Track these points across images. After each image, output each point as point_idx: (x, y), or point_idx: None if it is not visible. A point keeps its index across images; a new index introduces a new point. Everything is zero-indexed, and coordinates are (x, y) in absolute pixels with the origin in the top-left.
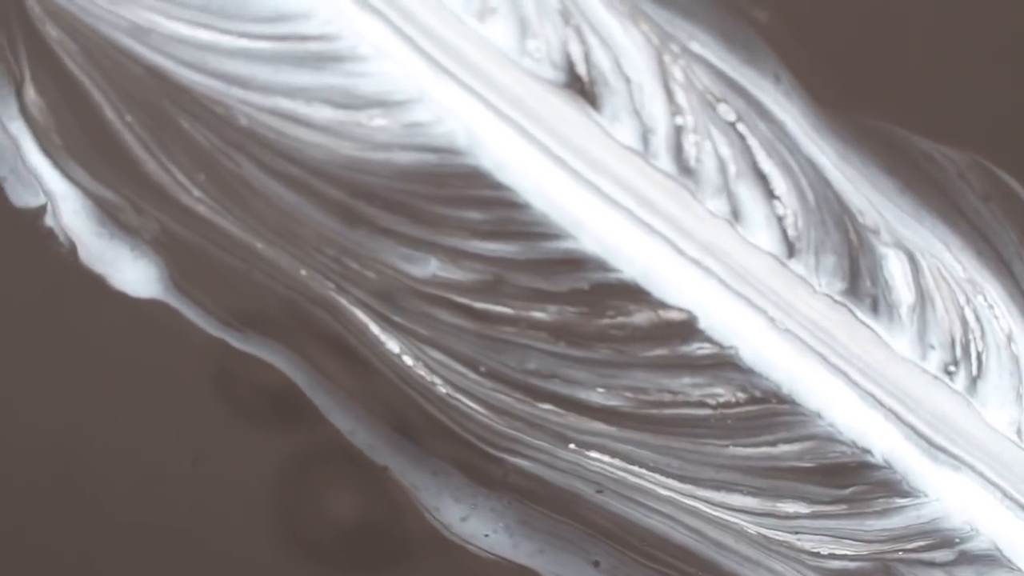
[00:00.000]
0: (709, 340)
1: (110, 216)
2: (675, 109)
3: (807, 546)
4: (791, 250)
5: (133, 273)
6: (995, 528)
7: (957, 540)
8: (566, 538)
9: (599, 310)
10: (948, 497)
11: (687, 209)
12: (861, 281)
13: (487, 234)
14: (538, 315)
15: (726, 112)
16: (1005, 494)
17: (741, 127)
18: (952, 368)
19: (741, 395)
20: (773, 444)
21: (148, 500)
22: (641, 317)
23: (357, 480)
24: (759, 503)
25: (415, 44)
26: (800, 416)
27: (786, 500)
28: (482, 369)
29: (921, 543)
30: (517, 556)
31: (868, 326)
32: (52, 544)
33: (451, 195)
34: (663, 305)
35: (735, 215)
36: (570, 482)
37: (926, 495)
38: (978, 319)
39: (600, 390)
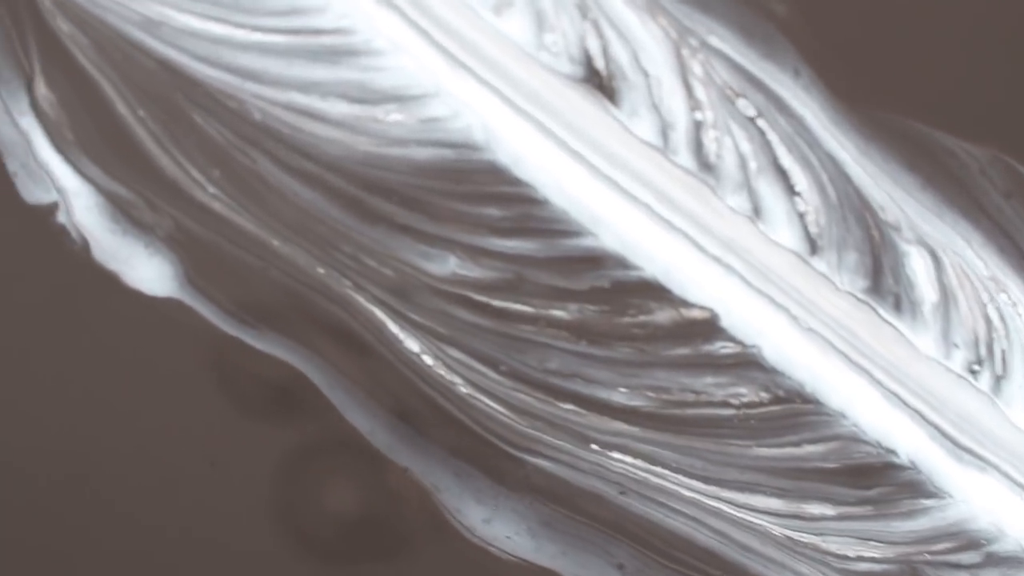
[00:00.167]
0: (731, 339)
1: (123, 213)
2: (694, 104)
3: (833, 548)
4: (813, 247)
5: (147, 270)
6: (1022, 529)
7: (983, 542)
8: (589, 540)
9: (620, 308)
10: (974, 498)
11: (707, 206)
12: (884, 279)
13: (506, 231)
14: (558, 314)
15: (745, 107)
16: None
17: (761, 122)
18: (976, 367)
19: (764, 395)
20: (797, 444)
21: (160, 499)
22: (663, 315)
23: (360, 473)
24: (784, 504)
25: (431, 38)
26: (824, 416)
27: (811, 501)
28: (502, 368)
29: (947, 545)
30: (539, 558)
31: (891, 324)
32: (60, 541)
33: (469, 191)
34: (684, 303)
35: (756, 212)
36: (592, 483)
37: (952, 496)
38: (1002, 317)
39: (622, 390)
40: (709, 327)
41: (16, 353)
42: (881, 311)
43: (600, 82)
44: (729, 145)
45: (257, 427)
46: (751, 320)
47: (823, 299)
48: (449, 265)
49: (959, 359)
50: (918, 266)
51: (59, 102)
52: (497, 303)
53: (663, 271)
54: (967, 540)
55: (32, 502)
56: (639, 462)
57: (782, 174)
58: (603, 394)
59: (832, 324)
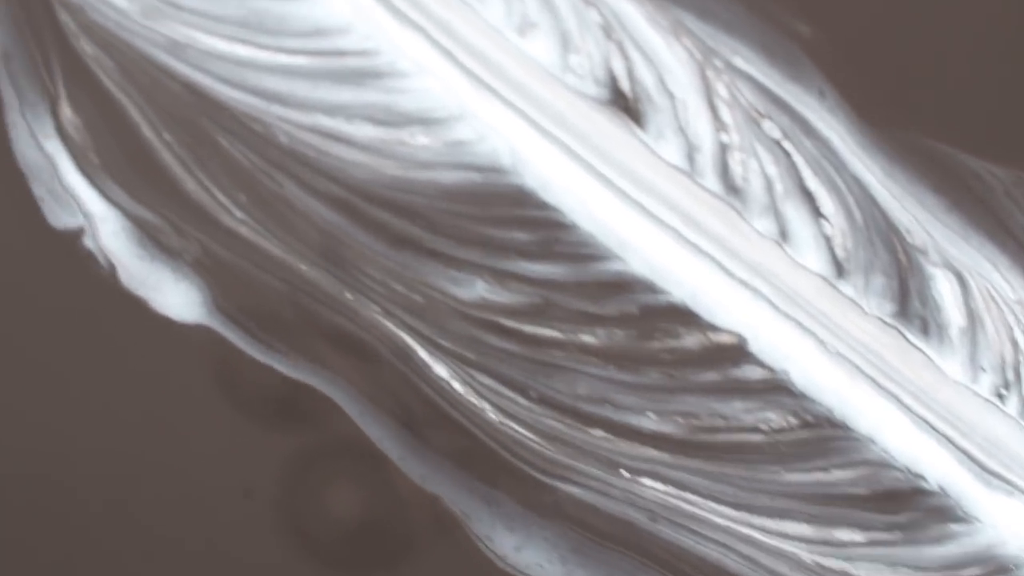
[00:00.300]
0: (760, 364)
1: (150, 238)
2: (720, 126)
3: (862, 574)
4: (840, 271)
5: (175, 296)
6: None
7: (1012, 567)
8: (620, 567)
9: (648, 333)
10: (1002, 523)
11: (735, 229)
12: (911, 302)
13: (533, 255)
14: (587, 339)
15: (771, 129)
16: None
17: (787, 144)
18: (1003, 391)
19: (793, 420)
20: (826, 470)
21: (184, 514)
22: (691, 340)
23: (365, 479)
24: (814, 531)
25: (455, 59)
26: (853, 441)
27: (841, 527)
28: (532, 394)
29: (977, 570)
30: None
31: (919, 348)
32: (65, 545)
33: (496, 215)
34: (712, 328)
35: (783, 235)
36: (623, 510)
37: (980, 521)
38: None
39: (651, 415)
40: (737, 352)
41: (46, 380)
42: (909, 335)
43: (626, 104)
44: (755, 168)
45: (263, 433)
46: (779, 345)
47: (851, 323)
48: (477, 290)
49: (986, 383)
50: (945, 289)
51: (84, 125)
52: (526, 328)
53: (691, 295)
54: (996, 565)
55: (64, 517)
56: (669, 488)
57: (808, 197)
58: (633, 420)
59: (860, 348)
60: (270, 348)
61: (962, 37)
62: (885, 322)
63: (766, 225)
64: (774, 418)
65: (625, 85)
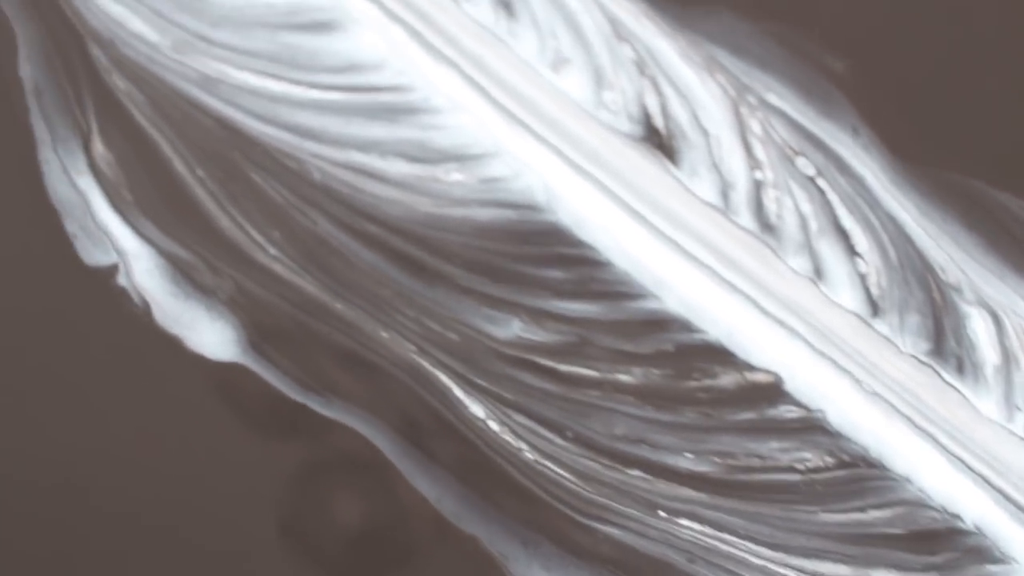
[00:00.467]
0: (796, 403)
1: (184, 275)
2: (754, 163)
3: None
4: (875, 309)
5: (210, 335)
6: None
7: None
8: None
9: (685, 372)
10: None
11: (769, 267)
12: (946, 341)
13: (569, 294)
14: (624, 378)
15: (805, 166)
16: None
17: (821, 182)
18: None
19: (830, 460)
20: (863, 510)
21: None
22: (727, 379)
23: (368, 489)
24: (851, 571)
25: (489, 95)
26: (889, 481)
27: (878, 568)
28: (569, 434)
29: None
30: None
31: (954, 387)
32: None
33: (532, 253)
34: (749, 367)
35: (818, 273)
36: (662, 551)
37: (1018, 562)
38: None
39: (688, 455)
40: (774, 391)
41: (84, 421)
42: (944, 374)
43: (660, 141)
44: (789, 205)
45: (264, 443)
46: (815, 384)
47: (886, 362)
48: (513, 328)
49: (1022, 422)
50: (980, 328)
51: (117, 161)
52: (562, 367)
53: (727, 334)
54: None
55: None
56: (707, 529)
57: (843, 235)
58: (670, 460)
59: (896, 387)
60: (305, 387)
61: (998, 74)
62: (920, 361)
63: (801, 263)
64: (810, 458)
65: (659, 122)
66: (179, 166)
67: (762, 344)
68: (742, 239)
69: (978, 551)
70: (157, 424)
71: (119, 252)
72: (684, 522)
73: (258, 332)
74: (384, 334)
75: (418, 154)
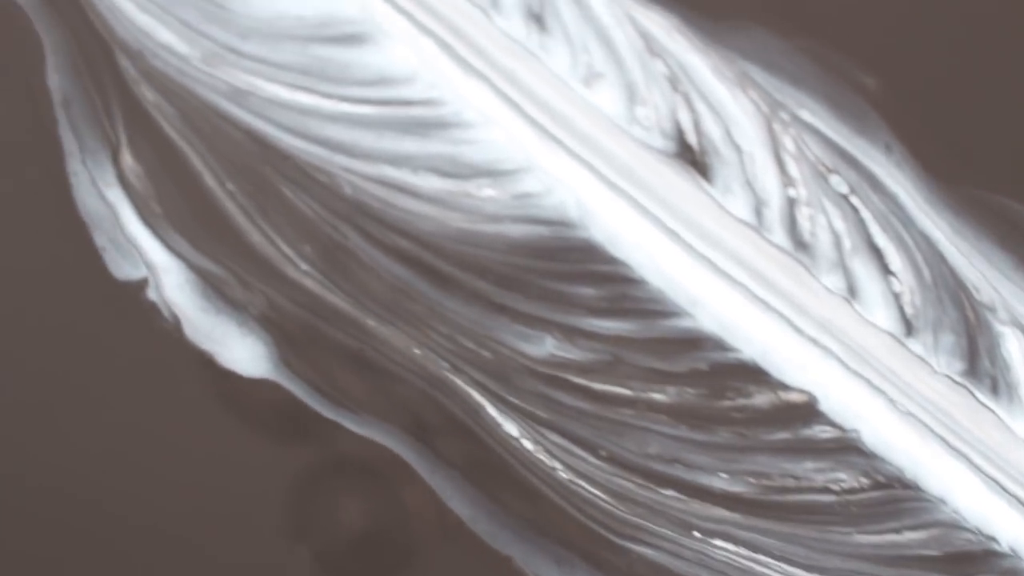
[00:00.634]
0: (830, 423)
1: (215, 290)
2: (787, 180)
3: None
4: (909, 329)
5: (241, 351)
6: None
7: None
8: None
9: (719, 391)
10: None
11: (803, 286)
12: (980, 361)
13: (603, 311)
14: (658, 397)
15: (838, 184)
16: None
17: (854, 199)
18: None
19: (864, 480)
20: (898, 531)
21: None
22: (761, 399)
23: (371, 495)
24: None
25: (521, 110)
26: (924, 502)
27: None
28: (603, 453)
29: None
30: None
31: (989, 408)
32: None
33: (565, 270)
34: (783, 386)
35: (852, 292)
36: (696, 571)
37: None
38: None
39: (723, 475)
40: (808, 411)
41: (113, 437)
42: (978, 394)
43: (693, 158)
44: (823, 223)
45: (268, 448)
46: (849, 404)
47: (920, 382)
48: (546, 346)
49: None
50: (1014, 348)
51: (146, 174)
52: (596, 386)
53: (761, 353)
54: None
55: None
56: (742, 550)
57: (876, 253)
58: (704, 480)
59: (930, 408)
60: (338, 404)
61: None
62: (955, 381)
63: (834, 282)
64: (845, 478)
65: (692, 138)
66: (209, 179)
67: (796, 363)
68: (776, 257)
69: (1013, 573)
70: (169, 430)
71: (149, 266)
72: (719, 543)
73: (290, 347)
74: (417, 351)
75: (450, 169)
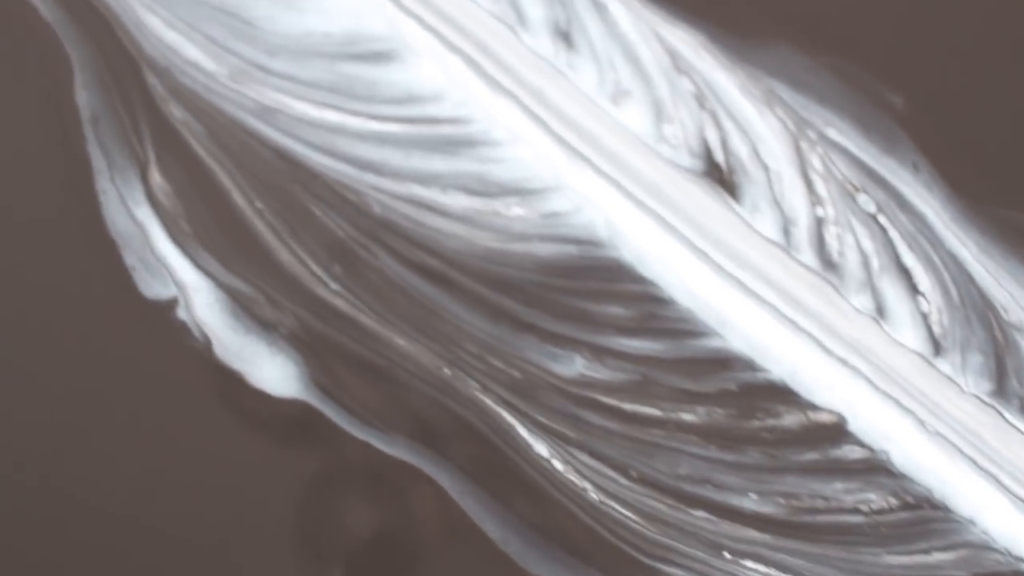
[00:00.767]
0: (860, 443)
1: (245, 309)
2: (815, 199)
3: None
4: (937, 349)
5: (271, 370)
6: None
7: None
8: None
9: (748, 412)
10: None
11: (832, 306)
12: (1008, 381)
13: (632, 331)
14: (687, 417)
15: (866, 203)
16: None
17: (882, 219)
18: None
19: (894, 501)
20: (928, 552)
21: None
22: (791, 419)
23: (378, 500)
24: None
25: (549, 128)
26: (954, 523)
27: None
28: (633, 474)
29: None
30: None
31: (1017, 428)
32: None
33: (594, 289)
34: (812, 407)
35: (880, 311)
36: None
37: None
38: None
39: (753, 496)
40: (837, 431)
41: (143, 456)
42: (1007, 414)
43: (720, 176)
44: (851, 243)
45: (278, 453)
46: (878, 424)
47: (949, 402)
48: (576, 366)
49: None
50: None
51: (175, 192)
52: (626, 406)
53: (790, 373)
54: None
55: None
56: (771, 570)
57: (905, 273)
58: (734, 500)
59: (959, 428)
60: (368, 424)
61: None
62: (983, 401)
63: (863, 301)
64: (874, 499)
65: (719, 156)
66: (237, 198)
67: (825, 384)
68: (804, 277)
69: None
70: (177, 435)
71: (178, 285)
72: (749, 563)
73: (320, 367)
74: (447, 371)
75: (478, 187)
